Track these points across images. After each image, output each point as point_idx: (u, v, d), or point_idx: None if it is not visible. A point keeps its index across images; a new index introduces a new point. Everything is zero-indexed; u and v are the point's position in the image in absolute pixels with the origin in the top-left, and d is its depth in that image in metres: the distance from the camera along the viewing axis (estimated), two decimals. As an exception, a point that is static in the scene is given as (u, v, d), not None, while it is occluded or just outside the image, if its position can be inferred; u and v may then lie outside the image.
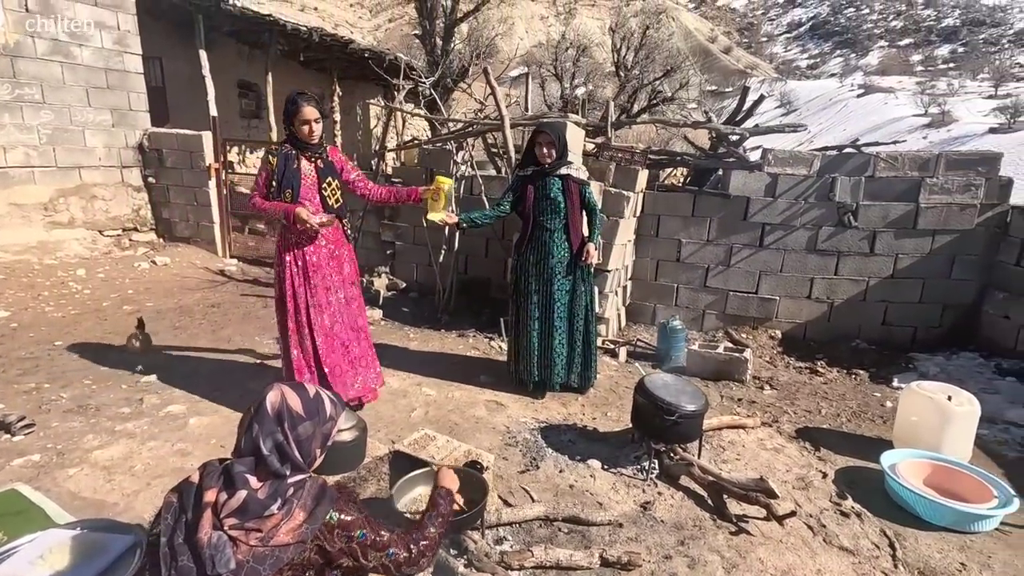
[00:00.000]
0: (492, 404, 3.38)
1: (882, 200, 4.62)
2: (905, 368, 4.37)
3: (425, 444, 2.39)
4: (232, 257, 7.14)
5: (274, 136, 11.58)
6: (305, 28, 11.08)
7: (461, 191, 5.49)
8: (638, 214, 5.06)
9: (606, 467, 2.72)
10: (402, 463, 2.28)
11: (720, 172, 5.07)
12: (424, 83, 5.17)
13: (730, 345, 4.35)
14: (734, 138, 4.86)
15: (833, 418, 3.51)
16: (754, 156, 4.95)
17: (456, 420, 3.14)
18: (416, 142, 5.49)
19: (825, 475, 2.80)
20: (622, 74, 16.72)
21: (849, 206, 4.65)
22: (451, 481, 1.68)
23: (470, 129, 5.05)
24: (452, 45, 15.63)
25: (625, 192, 4.55)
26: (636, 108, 10.98)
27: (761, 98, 5.47)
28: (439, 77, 13.97)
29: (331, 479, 2.26)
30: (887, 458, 2.74)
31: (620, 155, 4.69)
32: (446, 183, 3.01)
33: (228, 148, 12.92)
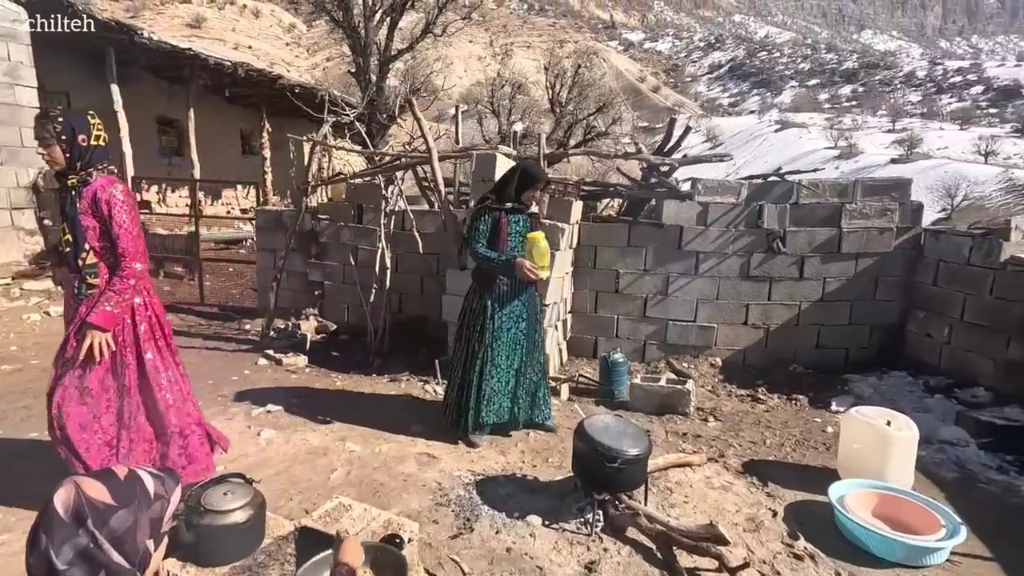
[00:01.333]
0: (424, 457, 3.08)
1: (807, 226, 4.74)
2: (841, 391, 4.40)
3: (339, 516, 2.07)
4: (142, 304, 6.52)
5: (196, 173, 11.00)
6: (229, 63, 10.69)
7: (391, 226, 5.25)
8: (574, 246, 4.97)
9: (547, 523, 2.48)
10: (311, 542, 1.96)
11: (653, 202, 5.09)
12: (347, 115, 4.95)
13: (672, 376, 4.26)
14: (664, 168, 4.89)
15: (778, 448, 3.43)
16: (685, 187, 4.99)
17: (382, 479, 2.82)
18: (342, 176, 5.22)
19: (775, 513, 2.67)
20: (557, 110, 17.17)
21: (777, 232, 4.74)
22: (353, 555, 1.40)
23: (398, 162, 4.84)
24: (387, 81, 15.57)
25: (560, 224, 4.45)
26: (572, 143, 11.12)
27: (688, 129, 5.60)
28: (374, 113, 13.82)
29: (221, 570, 1.91)
30: (835, 491, 2.65)
31: (554, 187, 4.61)
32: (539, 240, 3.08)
33: (146, 186, 12.19)
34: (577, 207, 4.81)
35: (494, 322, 3.21)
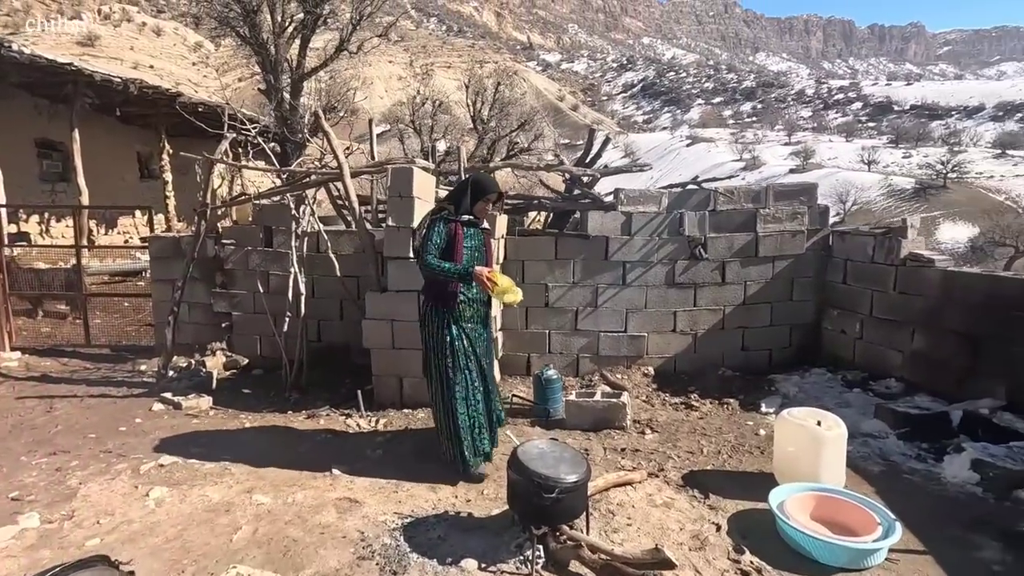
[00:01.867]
0: (345, 503, 2.77)
1: (726, 231, 4.84)
2: (769, 392, 4.48)
3: (235, 590, 1.75)
4: (15, 349, 5.70)
5: (84, 200, 9.95)
6: (119, 79, 9.80)
7: (304, 248, 4.88)
8: (501, 261, 4.81)
9: (483, 565, 2.25)
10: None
11: (578, 214, 5.04)
12: (249, 130, 4.56)
13: (608, 390, 4.16)
14: (587, 180, 4.86)
15: (715, 456, 3.39)
16: (608, 198, 4.98)
17: (295, 535, 2.48)
18: (246, 196, 4.80)
19: (719, 527, 2.58)
20: (480, 127, 17.19)
21: (698, 239, 4.81)
22: None
23: (307, 180, 4.51)
24: (302, 100, 14.94)
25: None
26: (496, 159, 11.06)
27: (607, 140, 5.64)
28: (288, 132, 13.17)
29: None
30: (774, 497, 2.60)
31: (476, 201, 4.44)
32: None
33: (23, 216, 10.88)
34: (502, 221, 4.66)
35: (463, 342, 2.98)
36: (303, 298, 4.71)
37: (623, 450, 3.46)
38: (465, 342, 2.98)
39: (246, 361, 5.35)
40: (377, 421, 3.85)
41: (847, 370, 4.71)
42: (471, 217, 2.99)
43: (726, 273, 4.89)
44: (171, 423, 3.91)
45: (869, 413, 3.87)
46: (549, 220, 5.03)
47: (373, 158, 4.52)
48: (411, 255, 3.93)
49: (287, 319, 4.70)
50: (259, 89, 14.58)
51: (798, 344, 5.06)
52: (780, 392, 4.44)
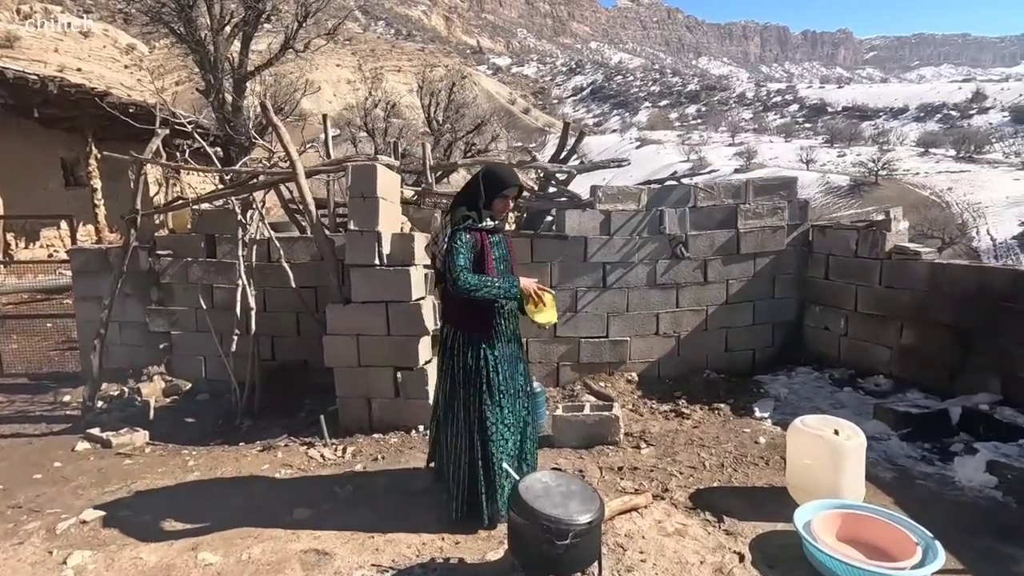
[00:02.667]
0: (312, 555, 2.35)
1: (707, 229, 4.65)
2: (758, 394, 4.30)
3: None
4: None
5: (-2, 211, 8.95)
6: (35, 76, 8.88)
7: (254, 258, 4.38)
8: (474, 266, 4.46)
9: (486, 628, 1.89)
10: None
11: (554, 213, 4.75)
12: (184, 127, 4.04)
13: (596, 402, 3.87)
14: (562, 177, 4.57)
15: (719, 470, 3.14)
16: (586, 196, 4.71)
17: (252, 604, 2.05)
18: (183, 201, 4.27)
19: (742, 557, 2.31)
20: (435, 125, 16.75)
21: (679, 237, 4.60)
22: None
23: (255, 181, 4.02)
24: (245, 101, 14.10)
25: (456, 242, 3.90)
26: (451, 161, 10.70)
27: (582, 134, 5.37)
28: (232, 135, 12.35)
29: None
30: (800, 517, 2.36)
31: (445, 200, 4.08)
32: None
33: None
34: (473, 223, 4.31)
35: (499, 374, 2.48)
36: (252, 313, 4.22)
37: (620, 469, 3.17)
38: (501, 374, 2.49)
39: (189, 385, 4.78)
40: (344, 450, 3.42)
41: (833, 368, 4.59)
42: (493, 223, 2.50)
43: (708, 272, 4.70)
44: (98, 465, 3.36)
45: (865, 413, 3.72)
46: (523, 220, 4.71)
47: (329, 156, 4.08)
48: (376, 262, 3.53)
49: (235, 337, 4.19)
50: (197, 89, 13.66)
51: (781, 343, 4.93)
52: (770, 395, 4.26)
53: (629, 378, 4.66)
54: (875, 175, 51.28)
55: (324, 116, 4.64)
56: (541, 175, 4.83)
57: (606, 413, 3.53)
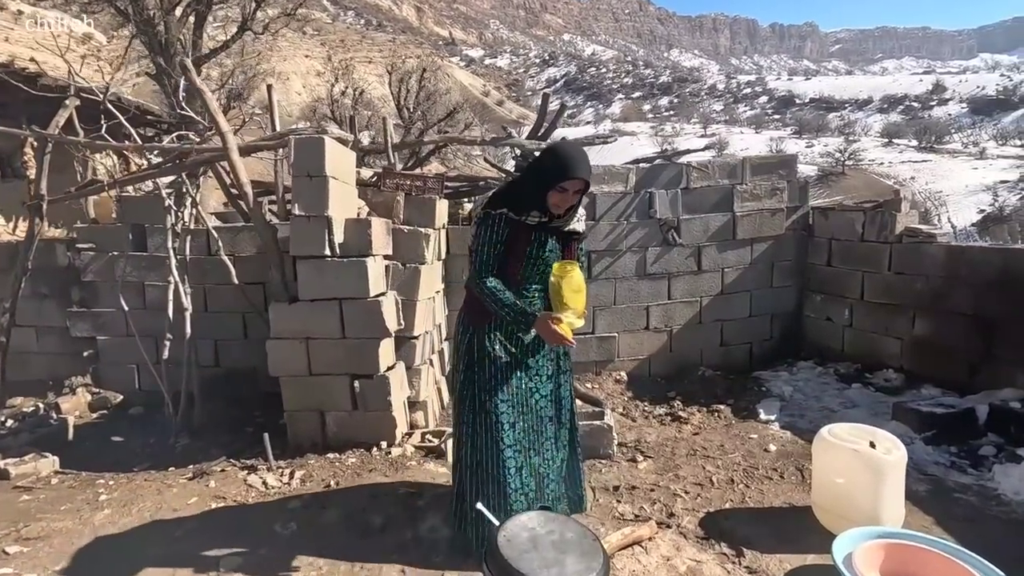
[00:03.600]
0: (236, 624, 1.84)
1: (701, 212, 4.24)
2: (760, 392, 3.92)
3: None
4: None
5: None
6: (-49, 55, 7.96)
7: (188, 250, 3.81)
8: (444, 256, 3.96)
9: None
10: None
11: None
12: (97, 97, 3.42)
13: (584, 408, 3.42)
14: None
15: (728, 487, 2.72)
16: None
17: None
18: (97, 183, 3.66)
19: (774, 604, 1.89)
20: (406, 114, 16.08)
21: (671, 222, 4.18)
22: None
23: (184, 161, 3.44)
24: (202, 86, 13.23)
25: (423, 230, 3.40)
26: (424, 152, 10.10)
27: (563, 107, 4.90)
28: (187, 123, 11.54)
29: None
30: (839, 550, 1.94)
31: (409, 183, 3.56)
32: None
33: None
34: (443, 207, 3.81)
35: (503, 374, 2.04)
36: (188, 313, 3.64)
37: (616, 489, 2.72)
38: (511, 374, 2.05)
39: (120, 398, 4.18)
40: (291, 475, 2.90)
41: (836, 362, 4.24)
42: (541, 217, 1.94)
43: (702, 259, 4.29)
44: (-12, 503, 2.77)
45: (881, 413, 3.36)
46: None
47: (275, 129, 3.53)
48: (327, 252, 3.01)
49: (167, 342, 3.62)
50: (147, 73, 12.75)
51: (780, 336, 4.56)
52: (773, 393, 3.88)
53: (618, 378, 4.23)
54: (842, 165, 52.27)
55: (269, 86, 4.06)
56: (518, 154, 4.34)
57: (597, 422, 3.08)
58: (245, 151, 3.31)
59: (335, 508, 2.54)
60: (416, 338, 3.39)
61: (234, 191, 3.79)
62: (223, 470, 3.02)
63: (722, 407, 3.72)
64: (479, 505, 1.70)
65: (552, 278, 1.99)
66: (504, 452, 2.02)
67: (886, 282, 3.91)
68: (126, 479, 3.01)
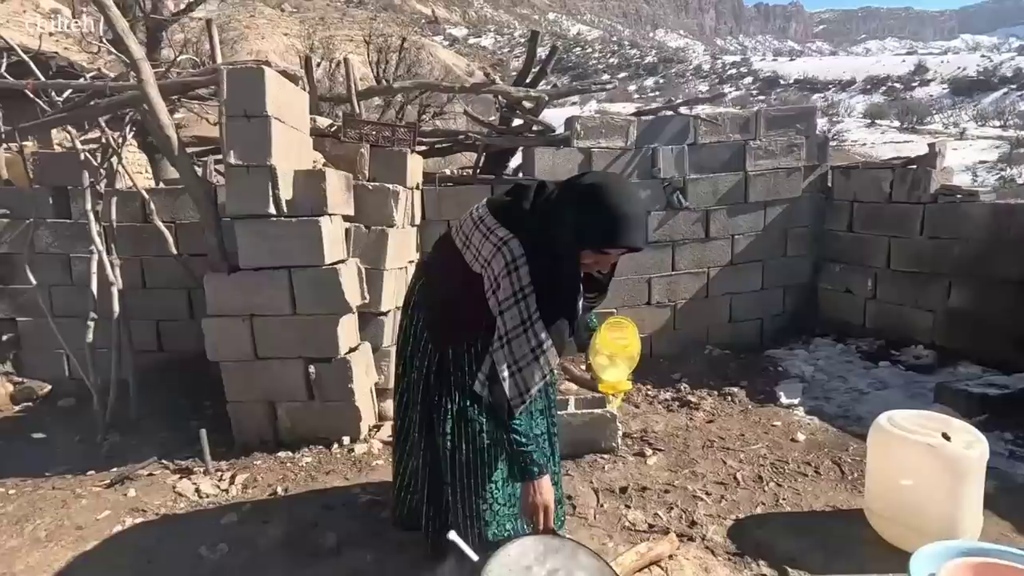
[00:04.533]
0: None
1: (709, 172, 3.77)
2: (776, 373, 3.49)
3: None
4: None
5: None
6: None
7: (115, 215, 3.25)
8: (418, 222, 3.45)
9: None
10: None
11: (520, 153, 3.76)
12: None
13: (582, 394, 2.96)
14: (529, 105, 3.57)
15: (757, 486, 2.29)
16: (561, 131, 3.73)
17: None
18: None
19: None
20: (385, 86, 15.31)
21: (677, 182, 3.70)
22: None
23: (95, 104, 2.86)
24: (162, 53, 12.40)
25: (391, 187, 2.88)
26: (398, 105, 9.56)
27: (555, 49, 4.37)
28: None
29: None
30: (918, 570, 1.50)
31: (375, 132, 3.03)
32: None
33: None
34: (416, 163, 3.29)
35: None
36: (115, 289, 3.10)
37: (624, 491, 2.27)
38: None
39: (47, 388, 3.64)
40: (232, 479, 2.40)
41: (857, 339, 3.83)
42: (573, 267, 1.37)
43: (710, 225, 3.83)
44: None
45: (919, 395, 2.96)
46: (481, 163, 3.70)
47: (214, 61, 2.95)
48: (271, 211, 2.48)
49: (90, 323, 3.07)
50: (102, 38, 11.90)
51: (793, 310, 4.14)
52: (792, 374, 3.46)
53: (617, 358, 3.77)
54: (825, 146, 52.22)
55: (208, 21, 3.47)
56: (502, 103, 3.82)
57: (598, 411, 2.62)
58: (170, 89, 2.74)
59: (279, 523, 2.05)
60: (385, 314, 2.88)
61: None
62: (151, 474, 2.51)
63: (735, 390, 3.29)
64: (452, 534, 1.22)
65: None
66: (494, 480, 1.55)
67: (917, 248, 3.49)
68: (32, 486, 2.48)
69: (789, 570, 1.75)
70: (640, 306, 3.84)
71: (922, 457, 1.76)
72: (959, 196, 3.27)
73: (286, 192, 2.50)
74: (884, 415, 1.93)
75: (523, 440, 1.37)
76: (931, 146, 3.45)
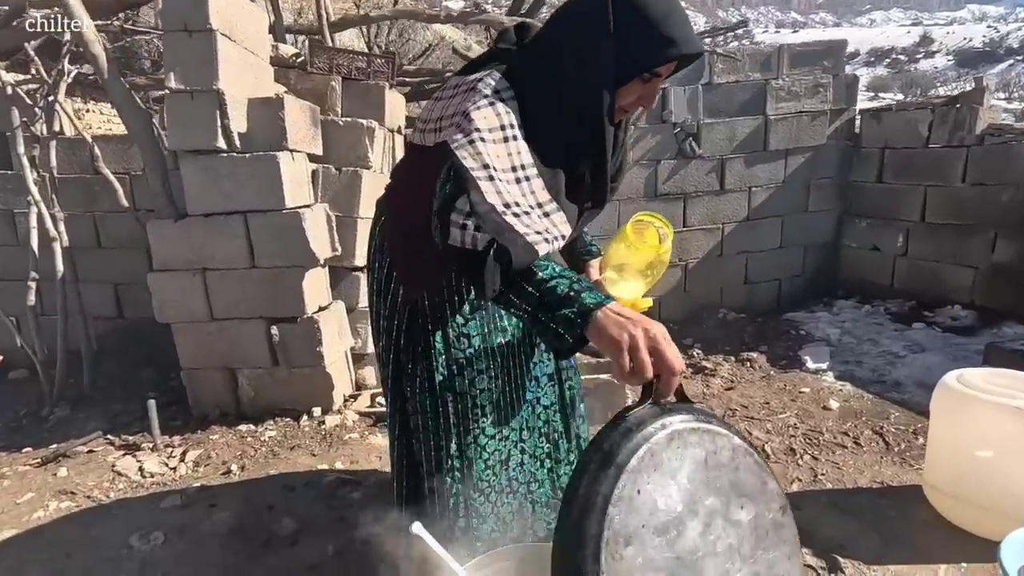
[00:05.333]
0: None
1: (726, 115, 3.38)
2: (799, 337, 3.16)
3: None
4: None
5: None
6: None
7: (54, 161, 2.88)
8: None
9: None
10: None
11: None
12: None
13: (585, 360, 2.63)
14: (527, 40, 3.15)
15: (789, 459, 1.97)
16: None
17: None
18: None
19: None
20: (377, 51, 14.74)
21: (689, 127, 3.32)
22: None
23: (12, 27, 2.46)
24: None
25: (366, 122, 2.50)
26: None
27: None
28: (126, 65, 10.25)
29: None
30: (1010, 557, 1.19)
31: (348, 63, 2.64)
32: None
33: None
34: (397, 101, 2.90)
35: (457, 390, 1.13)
36: (57, 245, 2.75)
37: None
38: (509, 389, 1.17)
39: (-2, 359, 3.30)
40: (183, 455, 2.09)
41: (885, 300, 3.49)
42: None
43: (725, 176, 3.46)
44: None
45: (965, 359, 2.63)
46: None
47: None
48: (222, 144, 2.11)
49: (31, 284, 2.73)
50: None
51: (813, 271, 3.79)
52: (816, 337, 3.13)
53: (622, 323, 3.45)
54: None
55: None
56: (492, 34, 3.40)
57: (603, 376, 2.29)
58: (102, 4, 2.34)
59: (229, 507, 1.73)
60: (360, 269, 2.53)
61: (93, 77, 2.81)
62: (91, 451, 2.19)
63: (754, 355, 2.96)
64: (416, 526, 0.89)
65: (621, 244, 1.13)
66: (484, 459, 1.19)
67: (958, 197, 3.13)
68: (-49, 465, 2.17)
69: (839, 559, 1.44)
70: (647, 266, 3.50)
71: (1005, 422, 1.43)
72: (1010, 136, 2.90)
73: (238, 123, 2.13)
74: (951, 374, 1.60)
75: (546, 276, 0.80)
76: (978, 80, 3.06)
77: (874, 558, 1.45)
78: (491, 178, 0.81)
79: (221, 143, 2.10)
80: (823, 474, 1.86)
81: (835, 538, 1.53)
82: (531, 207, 0.85)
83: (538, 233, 0.81)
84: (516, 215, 0.80)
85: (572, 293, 0.76)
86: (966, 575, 1.38)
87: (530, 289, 0.78)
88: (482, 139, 0.83)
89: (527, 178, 0.87)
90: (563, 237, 0.87)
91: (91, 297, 3.18)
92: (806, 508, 1.68)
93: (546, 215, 0.87)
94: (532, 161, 0.88)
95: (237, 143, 2.12)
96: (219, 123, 2.07)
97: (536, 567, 0.94)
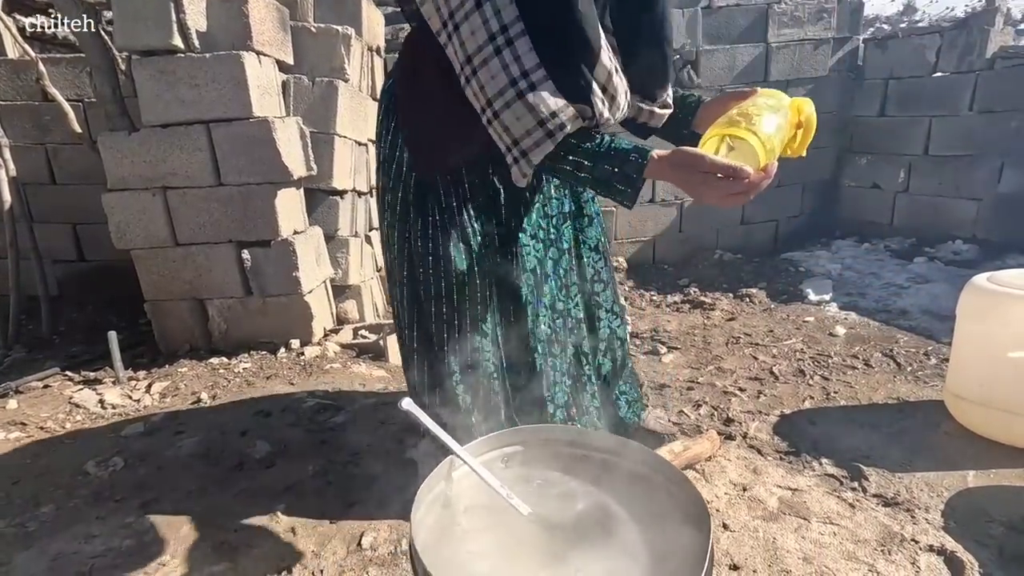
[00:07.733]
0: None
1: (725, 41, 3.20)
2: (799, 273, 3.07)
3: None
4: None
5: None
6: None
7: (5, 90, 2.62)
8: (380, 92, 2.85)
9: None
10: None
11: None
12: None
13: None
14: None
15: (799, 379, 1.87)
16: None
17: None
18: None
19: (960, 563, 1.05)
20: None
21: (688, 54, 3.14)
22: None
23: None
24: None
25: (342, 29, 2.27)
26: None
27: None
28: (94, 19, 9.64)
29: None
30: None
31: (320, -31, 2.39)
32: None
33: None
34: (375, 16, 2.66)
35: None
36: (4, 174, 2.50)
37: (640, 387, 1.84)
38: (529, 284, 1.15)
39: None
40: (149, 387, 1.92)
41: (883, 238, 3.41)
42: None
43: (724, 109, 3.29)
44: None
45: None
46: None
47: None
48: (179, 43, 1.88)
49: (-23, 216, 2.49)
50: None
51: (811, 210, 3.69)
52: (816, 272, 3.04)
53: (617, 263, 3.32)
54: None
55: None
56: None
57: (603, 302, 2.16)
58: None
59: (197, 433, 1.58)
60: (340, 193, 2.34)
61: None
62: (47, 386, 2.01)
63: (753, 291, 2.86)
64: (406, 401, 0.75)
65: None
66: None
67: (964, 126, 3.01)
68: None
69: (863, 468, 1.34)
70: (642, 204, 3.35)
71: (1043, 320, 1.33)
72: (1023, 59, 2.77)
73: (196, 20, 1.90)
74: (981, 275, 1.49)
75: (589, 148, 0.91)
76: (990, 1, 2.91)
77: (900, 467, 1.35)
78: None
79: (177, 41, 1.87)
80: (836, 392, 1.76)
81: (857, 448, 1.43)
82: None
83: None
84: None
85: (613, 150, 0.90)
86: (995, 481, 1.29)
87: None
88: None
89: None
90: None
91: (48, 238, 2.94)
92: (821, 423, 1.58)
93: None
94: None
95: (196, 42, 1.90)
96: (174, 18, 1.84)
97: (548, 451, 0.81)
